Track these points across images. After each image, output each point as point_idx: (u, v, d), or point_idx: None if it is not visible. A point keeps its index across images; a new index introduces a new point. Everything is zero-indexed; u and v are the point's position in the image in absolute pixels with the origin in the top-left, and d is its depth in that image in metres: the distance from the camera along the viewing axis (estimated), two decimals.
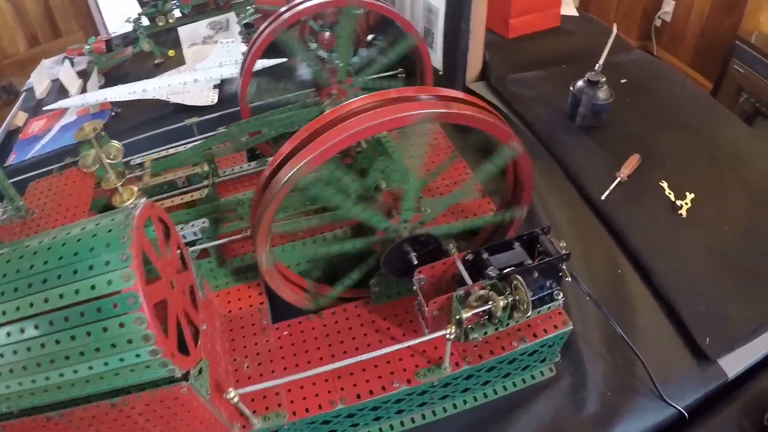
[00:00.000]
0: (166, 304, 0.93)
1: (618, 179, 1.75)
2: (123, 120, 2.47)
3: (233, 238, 1.39)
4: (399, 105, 1.10)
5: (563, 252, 1.16)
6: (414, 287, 1.22)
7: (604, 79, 1.87)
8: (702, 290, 1.48)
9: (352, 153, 1.54)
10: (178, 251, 1.09)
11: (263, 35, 1.67)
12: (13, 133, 2.60)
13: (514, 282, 1.11)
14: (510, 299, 1.10)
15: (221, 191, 1.65)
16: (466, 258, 1.21)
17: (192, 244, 1.40)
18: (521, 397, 1.34)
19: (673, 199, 1.69)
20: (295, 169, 1.08)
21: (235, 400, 1.02)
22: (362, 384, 1.20)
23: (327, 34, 2.40)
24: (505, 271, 1.14)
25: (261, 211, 1.16)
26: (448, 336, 1.08)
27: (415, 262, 1.29)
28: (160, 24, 3.06)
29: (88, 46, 2.75)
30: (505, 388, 1.34)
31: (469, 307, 1.10)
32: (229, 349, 1.28)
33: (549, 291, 1.20)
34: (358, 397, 1.18)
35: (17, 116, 2.68)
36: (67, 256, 0.85)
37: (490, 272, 1.14)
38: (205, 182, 1.51)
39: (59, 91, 2.78)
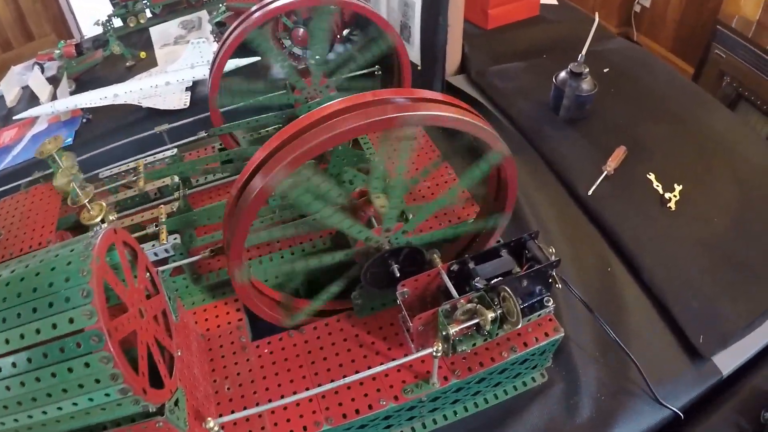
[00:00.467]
0: (135, 335, 0.88)
1: (605, 173, 1.71)
2: (95, 127, 2.40)
3: (203, 255, 1.32)
4: (375, 108, 1.04)
5: (553, 259, 1.11)
6: (398, 301, 1.17)
7: (587, 69, 1.83)
8: (694, 285, 1.45)
9: (328, 158, 1.48)
10: (148, 274, 1.03)
11: (233, 35, 1.60)
12: None
13: (503, 293, 1.06)
14: (498, 311, 1.05)
15: (195, 202, 1.60)
16: (451, 269, 1.16)
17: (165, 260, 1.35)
18: (513, 404, 1.30)
19: (661, 191, 1.66)
20: (268, 178, 1.02)
21: (216, 429, 0.97)
22: (348, 403, 1.15)
23: (301, 30, 2.34)
24: (492, 282, 1.09)
25: (234, 223, 1.10)
26: (434, 354, 1.03)
27: (398, 275, 1.23)
28: (132, 25, 2.98)
29: (58, 51, 2.67)
30: (496, 397, 1.30)
31: (456, 322, 1.05)
32: (209, 370, 1.22)
33: (539, 297, 1.16)
34: (344, 416, 1.13)
35: None
36: (26, 292, 0.80)
37: (476, 284, 1.10)
38: (175, 195, 1.44)
39: (30, 98, 2.69)
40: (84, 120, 2.43)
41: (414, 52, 2.17)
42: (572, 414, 1.28)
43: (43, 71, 2.81)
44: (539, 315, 1.17)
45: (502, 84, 2.14)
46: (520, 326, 1.07)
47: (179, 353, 1.03)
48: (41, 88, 2.64)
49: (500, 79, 2.17)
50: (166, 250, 1.30)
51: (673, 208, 1.63)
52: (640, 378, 1.30)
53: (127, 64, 2.73)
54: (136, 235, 1.35)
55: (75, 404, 0.82)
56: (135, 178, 1.54)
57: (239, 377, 1.22)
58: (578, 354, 1.36)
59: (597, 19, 1.94)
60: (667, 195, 1.64)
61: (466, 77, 2.27)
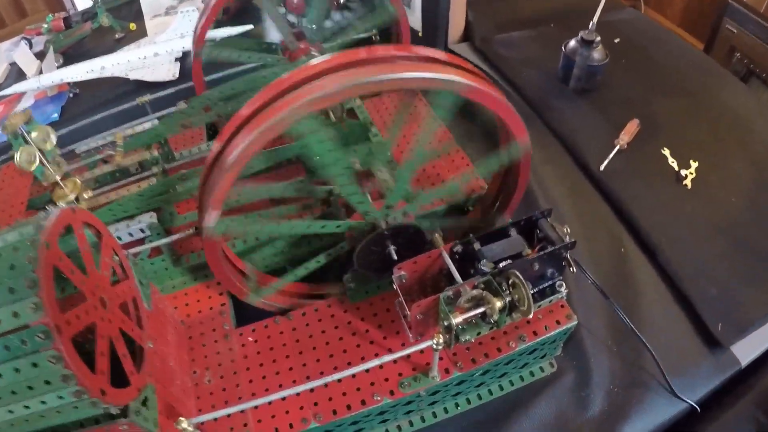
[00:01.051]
0: (95, 328, 0.78)
1: (617, 147, 1.61)
2: (82, 101, 2.31)
3: (180, 235, 1.22)
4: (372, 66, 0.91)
5: (568, 240, 1.00)
6: (394, 285, 1.07)
7: (598, 38, 1.72)
8: (711, 271, 1.36)
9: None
10: (116, 258, 0.93)
11: None
12: None
13: (512, 278, 0.95)
14: (507, 299, 0.94)
15: None
16: (455, 250, 1.05)
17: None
18: (520, 396, 1.21)
19: (676, 168, 1.56)
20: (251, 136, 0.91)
21: (189, 430, 0.87)
22: (338, 397, 1.05)
23: None
24: (500, 266, 0.99)
25: (215, 179, 0.97)
26: (435, 346, 0.93)
27: (395, 258, 1.13)
28: None
29: (46, 25, 2.58)
30: (501, 388, 1.21)
31: (459, 310, 0.94)
32: (188, 360, 1.12)
33: (550, 282, 1.06)
34: (335, 413, 1.03)
35: None
36: None
37: (483, 267, 0.99)
38: (154, 169, 1.33)
39: (18, 74, 2.60)
40: (71, 95, 2.35)
41: (415, 18, 2.05)
42: (583, 407, 1.19)
43: (31, 46, 2.71)
44: (550, 301, 1.07)
45: (508, 53, 2.04)
46: (530, 315, 0.97)
47: (151, 345, 0.93)
48: (28, 63, 2.54)
49: (506, 47, 2.06)
50: (142, 230, 1.20)
51: (689, 186, 1.52)
52: (656, 369, 1.21)
53: (117, 36, 2.63)
54: None
55: (27, 407, 0.72)
56: (115, 151, 1.43)
57: (221, 368, 1.12)
58: (590, 342, 1.26)
59: None
60: (683, 172, 1.54)
61: (470, 45, 2.16)
